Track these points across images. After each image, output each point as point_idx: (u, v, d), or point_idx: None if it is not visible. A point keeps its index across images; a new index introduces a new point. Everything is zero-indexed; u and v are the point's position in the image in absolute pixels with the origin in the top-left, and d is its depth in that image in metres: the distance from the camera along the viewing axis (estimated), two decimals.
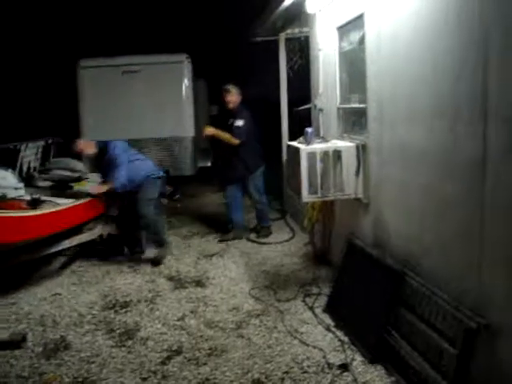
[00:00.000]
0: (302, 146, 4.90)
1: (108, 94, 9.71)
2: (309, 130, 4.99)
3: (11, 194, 4.83)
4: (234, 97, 7.26)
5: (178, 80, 9.87)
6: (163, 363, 4.09)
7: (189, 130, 9.87)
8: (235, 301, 5.23)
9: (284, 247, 6.94)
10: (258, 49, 10.83)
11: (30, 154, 8.66)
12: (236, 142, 7.10)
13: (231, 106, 7.27)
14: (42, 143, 9.22)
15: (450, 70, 3.29)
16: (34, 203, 5.09)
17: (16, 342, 3.21)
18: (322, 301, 5.03)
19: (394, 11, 4.06)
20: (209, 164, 11.24)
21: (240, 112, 7.22)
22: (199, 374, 3.92)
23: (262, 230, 7.55)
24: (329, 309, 4.84)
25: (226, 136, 7.16)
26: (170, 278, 5.92)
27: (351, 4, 4.95)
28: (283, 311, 4.89)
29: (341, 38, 5.44)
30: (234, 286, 5.60)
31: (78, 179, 6.97)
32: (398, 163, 4.19)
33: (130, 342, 4.45)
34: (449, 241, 3.45)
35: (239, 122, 7.12)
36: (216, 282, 5.76)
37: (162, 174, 6.72)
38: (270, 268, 6.12)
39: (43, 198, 5.34)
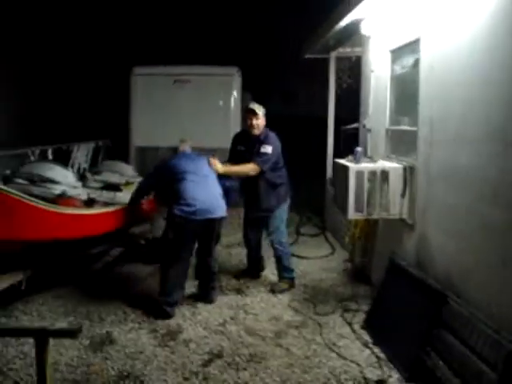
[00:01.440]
0: (350, 165, 5.02)
1: (158, 101, 10.00)
2: (358, 149, 5.12)
3: (70, 192, 5.08)
4: (260, 120, 5.86)
5: (228, 92, 10.09)
6: (204, 365, 4.23)
7: None
8: (275, 311, 5.35)
9: (323, 262, 7.04)
10: (304, 65, 11.06)
11: (81, 155, 9.04)
12: (256, 170, 5.79)
13: (257, 132, 5.86)
14: (92, 145, 9.61)
15: (500, 96, 3.38)
16: (91, 202, 5.34)
17: (74, 331, 3.39)
18: (361, 317, 5.11)
19: (450, 37, 4.18)
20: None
21: (267, 137, 5.90)
22: (239, 378, 4.05)
23: (280, 283, 6.00)
24: (367, 325, 4.91)
25: (241, 170, 5.88)
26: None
27: (407, 28, 5.07)
28: (322, 324, 4.99)
29: (393, 61, 5.56)
30: (273, 297, 5.72)
31: (127, 183, 7.19)
32: (446, 185, 4.27)
33: (172, 343, 4.61)
34: (491, 265, 3.52)
35: (268, 149, 5.79)
36: (255, 291, 5.88)
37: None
38: (309, 282, 6.22)
39: (98, 198, 5.59)
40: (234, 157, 6.07)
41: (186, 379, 4.03)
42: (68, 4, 13.66)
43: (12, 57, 12.35)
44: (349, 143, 7.53)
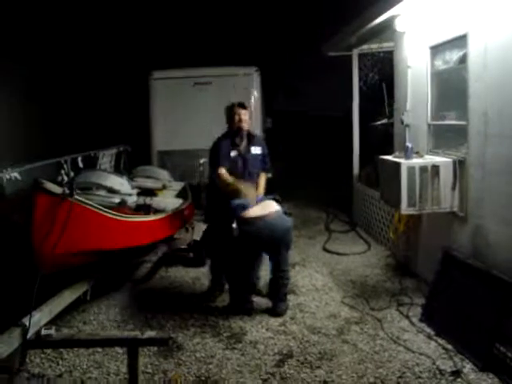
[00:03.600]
0: (402, 161, 5.09)
1: (179, 104, 10.04)
2: (409, 145, 5.19)
3: (128, 199, 5.13)
4: (247, 115, 5.71)
5: (248, 92, 10.13)
6: (278, 366, 4.29)
7: None
8: (330, 308, 5.42)
9: (363, 258, 7.12)
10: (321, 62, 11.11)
11: (106, 161, 9.09)
12: (266, 177, 5.80)
13: (246, 127, 5.69)
14: (115, 151, 9.66)
15: None
16: (147, 209, 5.39)
17: (164, 340, 3.45)
18: (416, 310, 5.19)
19: (503, 30, 4.25)
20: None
21: (256, 137, 5.92)
22: (316, 376, 4.12)
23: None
24: (426, 318, 4.99)
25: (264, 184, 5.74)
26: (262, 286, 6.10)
27: (450, 24, 5.14)
28: (380, 319, 5.07)
29: (433, 57, 5.63)
30: (325, 295, 5.79)
31: (163, 187, 7.24)
32: (504, 177, 4.35)
33: (240, 345, 4.66)
34: None
35: (264, 150, 5.77)
36: (306, 290, 5.95)
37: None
38: (356, 278, 6.30)
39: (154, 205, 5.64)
40: (229, 163, 5.60)
41: (264, 380, 4.09)
42: (87, 12, 13.66)
43: (30, 66, 12.35)
44: (381, 140, 7.63)
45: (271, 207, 5.19)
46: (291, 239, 5.48)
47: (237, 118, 5.65)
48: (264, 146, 5.84)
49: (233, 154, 5.64)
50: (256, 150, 5.70)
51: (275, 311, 5.29)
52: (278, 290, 5.34)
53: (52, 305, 4.36)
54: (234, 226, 4.97)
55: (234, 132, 5.70)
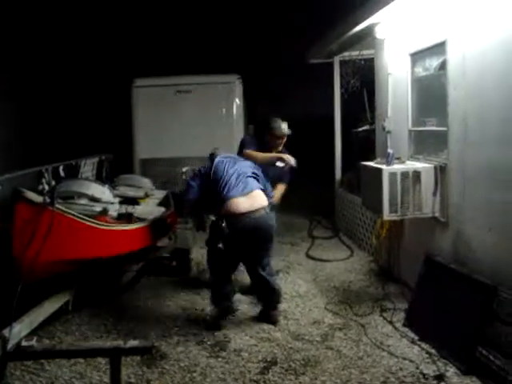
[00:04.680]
0: (383, 167, 5.13)
1: (161, 112, 10.00)
2: (390, 151, 5.23)
3: (110, 208, 5.09)
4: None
5: (230, 100, 10.14)
6: (262, 373, 4.27)
7: None
8: (314, 315, 5.42)
9: (346, 264, 7.14)
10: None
11: (87, 169, 8.99)
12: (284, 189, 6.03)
13: (280, 149, 5.80)
14: (97, 159, 9.58)
15: None
16: (129, 218, 5.36)
17: (147, 348, 3.42)
18: (399, 315, 5.22)
19: (481, 38, 4.31)
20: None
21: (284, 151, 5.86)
22: (300, 383, 4.11)
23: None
24: (409, 323, 5.01)
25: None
26: (244, 292, 6.08)
27: (430, 31, 5.20)
28: (364, 325, 5.08)
29: (414, 64, 5.69)
30: (308, 301, 5.79)
31: (145, 196, 7.20)
32: (485, 183, 4.39)
33: (224, 353, 4.63)
34: None
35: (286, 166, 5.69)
36: (290, 296, 5.93)
37: None
38: (339, 284, 6.31)
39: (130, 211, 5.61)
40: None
41: None
42: (68, 17, 13.57)
43: (10, 69, 12.21)
44: (362, 146, 7.67)
45: (260, 201, 5.07)
46: (272, 239, 5.26)
47: (279, 142, 5.71)
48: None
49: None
50: (279, 164, 5.56)
51: (268, 319, 5.25)
52: (270, 298, 5.28)
53: (33, 315, 4.29)
54: (223, 224, 4.94)
55: (265, 145, 5.75)
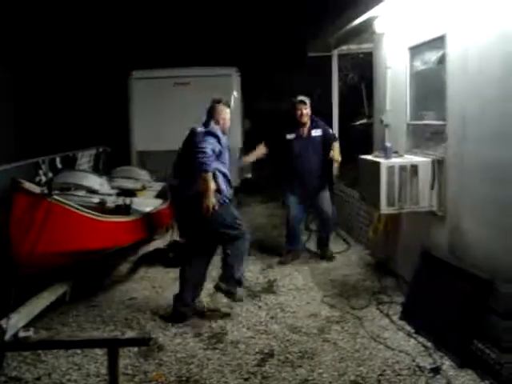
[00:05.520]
0: (381, 160, 5.13)
1: (159, 104, 9.98)
2: (388, 144, 5.23)
3: (107, 199, 5.08)
4: (308, 109, 6.70)
5: (228, 93, 10.10)
6: (259, 365, 4.28)
7: (237, 142, 10.12)
8: (311, 308, 5.44)
9: (343, 257, 7.16)
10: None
11: (84, 161, 9.02)
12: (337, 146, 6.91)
13: (306, 119, 6.70)
14: (94, 152, 9.60)
15: None
16: (127, 210, 5.36)
17: (145, 339, 3.43)
18: (396, 308, 5.24)
19: (481, 32, 4.31)
20: (249, 176, 11.40)
21: (316, 121, 6.84)
22: (297, 375, 4.12)
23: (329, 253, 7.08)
24: (405, 316, 5.03)
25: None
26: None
27: (429, 25, 5.19)
28: (361, 318, 5.10)
29: (412, 58, 5.68)
30: (305, 294, 5.82)
31: (142, 188, 7.20)
32: (482, 177, 4.40)
33: (221, 345, 4.65)
34: None
35: (330, 130, 7.05)
36: (287, 289, 5.97)
37: None
38: (336, 277, 6.34)
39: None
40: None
41: (245, 380, 4.08)
42: (65, 11, 13.48)
43: (6, 60, 12.15)
44: (360, 139, 7.67)
45: None
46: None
47: (298, 112, 6.64)
48: (326, 129, 6.88)
49: (290, 136, 6.80)
50: (316, 133, 6.74)
51: None
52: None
53: (30, 306, 4.30)
54: None
55: (296, 124, 6.73)
